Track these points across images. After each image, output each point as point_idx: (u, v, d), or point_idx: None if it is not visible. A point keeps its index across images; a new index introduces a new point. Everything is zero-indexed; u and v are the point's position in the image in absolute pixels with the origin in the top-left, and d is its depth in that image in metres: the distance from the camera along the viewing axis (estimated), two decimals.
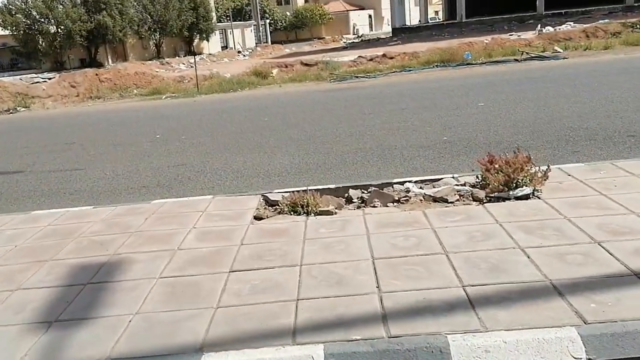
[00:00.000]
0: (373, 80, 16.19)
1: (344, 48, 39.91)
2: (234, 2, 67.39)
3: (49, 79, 29.75)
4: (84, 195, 6.25)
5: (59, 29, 42.07)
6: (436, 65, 17.49)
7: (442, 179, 4.65)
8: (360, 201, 4.44)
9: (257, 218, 4.25)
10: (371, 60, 19.84)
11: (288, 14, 71.84)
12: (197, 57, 44.39)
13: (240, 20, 62.25)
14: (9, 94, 18.19)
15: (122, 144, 9.46)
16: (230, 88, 17.13)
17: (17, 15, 42.18)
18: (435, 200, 4.10)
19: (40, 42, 42.83)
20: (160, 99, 17.11)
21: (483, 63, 16.91)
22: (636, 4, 33.21)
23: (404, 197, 4.20)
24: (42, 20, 41.80)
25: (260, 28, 62.11)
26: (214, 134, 9.52)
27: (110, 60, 46.90)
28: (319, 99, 13.07)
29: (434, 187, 4.39)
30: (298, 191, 4.48)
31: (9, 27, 42.39)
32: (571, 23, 29.26)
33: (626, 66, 12.99)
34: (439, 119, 8.70)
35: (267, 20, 65.33)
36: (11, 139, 11.53)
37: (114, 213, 4.61)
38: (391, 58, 19.72)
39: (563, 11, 36.14)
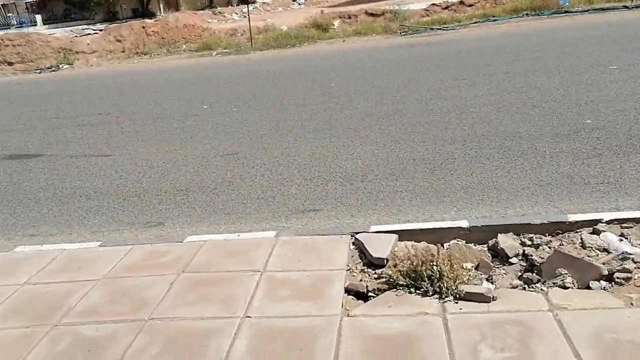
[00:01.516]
0: (452, 33, 13.86)
1: None
2: None
3: (100, 30, 28.64)
4: (103, 202, 4.69)
5: None
6: (526, 14, 14.87)
7: None
8: (523, 261, 2.62)
9: (351, 291, 2.53)
10: (446, 8, 17.30)
11: None
12: (251, 6, 42.35)
13: None
14: (52, 50, 16.95)
15: (162, 117, 7.85)
16: (288, 43, 15.20)
17: None
18: None
19: None
20: (210, 55, 15.41)
21: (585, 11, 14.17)
22: None
23: (618, 268, 2.34)
24: None
25: None
26: (272, 106, 7.75)
27: (162, 10, 45.57)
28: (392, 58, 11.01)
29: None
30: (412, 232, 2.72)
31: None
32: None
33: None
34: (564, 88, 6.58)
35: None
36: (44, 105, 10.16)
37: (126, 263, 2.99)
38: (470, 6, 17.11)
39: None
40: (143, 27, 17.49)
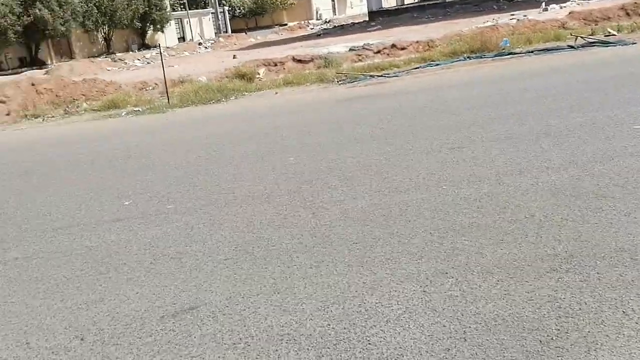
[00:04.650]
0: (397, 80, 12.57)
1: (318, 36, 36.23)
2: None
3: None
4: None
5: None
6: (468, 57, 13.99)
7: None
8: None
9: None
10: (378, 52, 16.19)
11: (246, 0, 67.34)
12: (154, 51, 39.88)
13: (196, 9, 57.60)
14: None
15: (65, 226, 5.53)
16: (211, 98, 13.18)
17: None
18: None
19: None
20: (119, 115, 13.01)
21: (530, 52, 13.49)
22: None
23: None
24: None
25: (219, 16, 57.54)
26: (217, 200, 5.72)
27: (53, 58, 41.84)
28: (345, 116, 9.36)
29: None
30: None
31: None
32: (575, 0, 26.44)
33: None
34: (614, 160, 5.13)
35: (226, 8, 60.74)
36: None
37: None
38: (402, 49, 16.13)
39: None
40: (32, 85, 14.72)
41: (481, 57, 13.69)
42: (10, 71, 35.69)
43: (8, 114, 14.23)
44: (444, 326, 3.01)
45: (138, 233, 5.07)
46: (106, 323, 3.54)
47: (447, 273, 3.57)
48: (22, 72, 32.36)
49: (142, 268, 4.30)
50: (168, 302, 3.71)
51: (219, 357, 3.03)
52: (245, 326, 3.30)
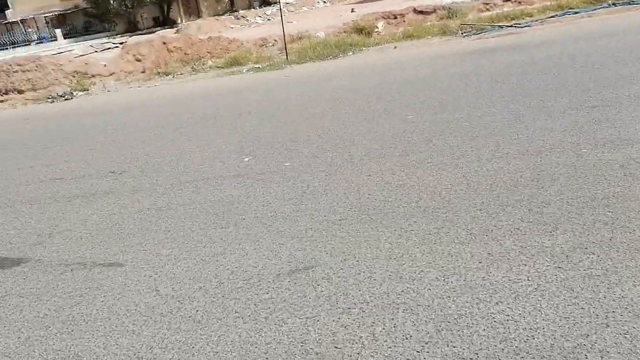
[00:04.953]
0: (529, 31, 11.52)
1: None
2: None
3: (121, 43, 27.16)
4: None
5: None
6: (613, 4, 12.43)
7: None
8: None
9: None
10: (507, 0, 14.94)
11: None
12: (274, 8, 40.44)
13: None
14: (65, 74, 15.18)
15: (192, 180, 5.80)
16: (329, 54, 13.06)
17: None
18: None
19: (112, 2, 40.73)
20: (240, 72, 13.38)
21: None
22: None
23: None
24: None
25: None
26: (334, 158, 5.64)
27: (183, 17, 44.12)
28: (469, 71, 8.76)
29: None
30: None
31: None
32: None
33: None
34: None
35: None
36: (46, 156, 8.27)
37: None
38: None
39: None
40: (164, 43, 15.59)
41: (630, 4, 12.09)
42: (145, 30, 38.29)
43: (143, 72, 15.25)
44: (583, 309, 2.69)
45: (257, 189, 5.16)
46: (226, 277, 3.64)
47: (586, 249, 3.19)
48: (155, 31, 34.52)
49: (259, 224, 4.36)
50: (284, 260, 3.72)
51: (333, 320, 2.97)
52: (360, 291, 3.21)
